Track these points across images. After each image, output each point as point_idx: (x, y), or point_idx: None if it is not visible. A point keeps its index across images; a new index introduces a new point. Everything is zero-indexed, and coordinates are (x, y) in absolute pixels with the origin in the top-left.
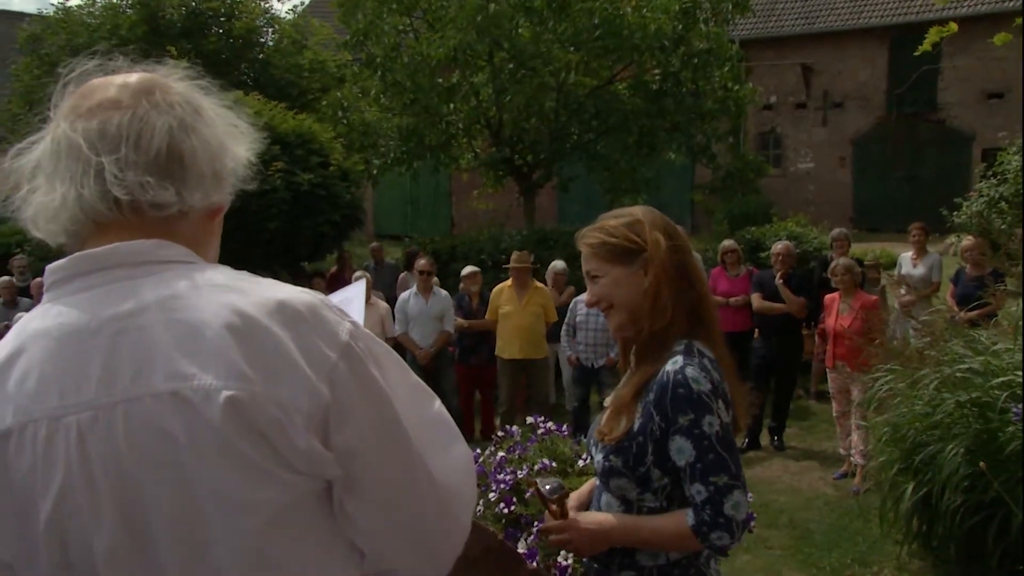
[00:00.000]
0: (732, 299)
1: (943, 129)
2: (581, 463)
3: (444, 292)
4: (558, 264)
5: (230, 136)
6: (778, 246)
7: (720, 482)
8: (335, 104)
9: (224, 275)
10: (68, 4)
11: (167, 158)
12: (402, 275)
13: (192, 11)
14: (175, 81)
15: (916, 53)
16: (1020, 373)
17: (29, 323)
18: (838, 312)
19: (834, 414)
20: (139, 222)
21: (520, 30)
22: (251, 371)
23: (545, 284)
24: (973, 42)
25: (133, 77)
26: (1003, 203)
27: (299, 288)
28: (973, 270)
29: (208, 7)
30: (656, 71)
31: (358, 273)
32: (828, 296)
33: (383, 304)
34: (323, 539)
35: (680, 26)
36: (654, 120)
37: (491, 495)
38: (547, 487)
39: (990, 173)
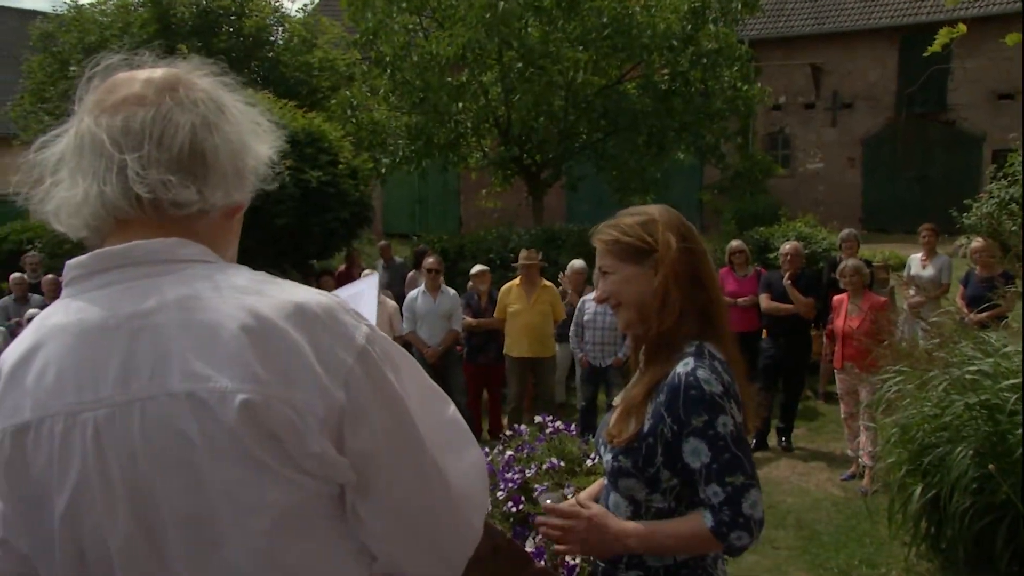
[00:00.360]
0: (740, 299)
1: (953, 130)
2: (589, 462)
3: (452, 291)
4: (577, 263)
5: (252, 134)
6: (787, 246)
7: (737, 482)
8: (344, 103)
9: (244, 276)
10: (80, 2)
11: (189, 156)
12: (410, 273)
13: (203, 9)
14: (199, 77)
15: (926, 54)
16: None
17: (48, 318)
18: (846, 313)
19: (842, 415)
20: (160, 220)
21: (529, 29)
22: (266, 374)
23: (553, 283)
24: (984, 43)
25: (158, 73)
26: (1013, 204)
27: (317, 291)
28: (983, 271)
29: (219, 5)
30: (665, 71)
31: (367, 272)
32: (836, 297)
33: (391, 302)
34: (334, 541)
35: (689, 26)
36: (663, 120)
37: (499, 494)
38: (548, 500)
39: (1000, 174)
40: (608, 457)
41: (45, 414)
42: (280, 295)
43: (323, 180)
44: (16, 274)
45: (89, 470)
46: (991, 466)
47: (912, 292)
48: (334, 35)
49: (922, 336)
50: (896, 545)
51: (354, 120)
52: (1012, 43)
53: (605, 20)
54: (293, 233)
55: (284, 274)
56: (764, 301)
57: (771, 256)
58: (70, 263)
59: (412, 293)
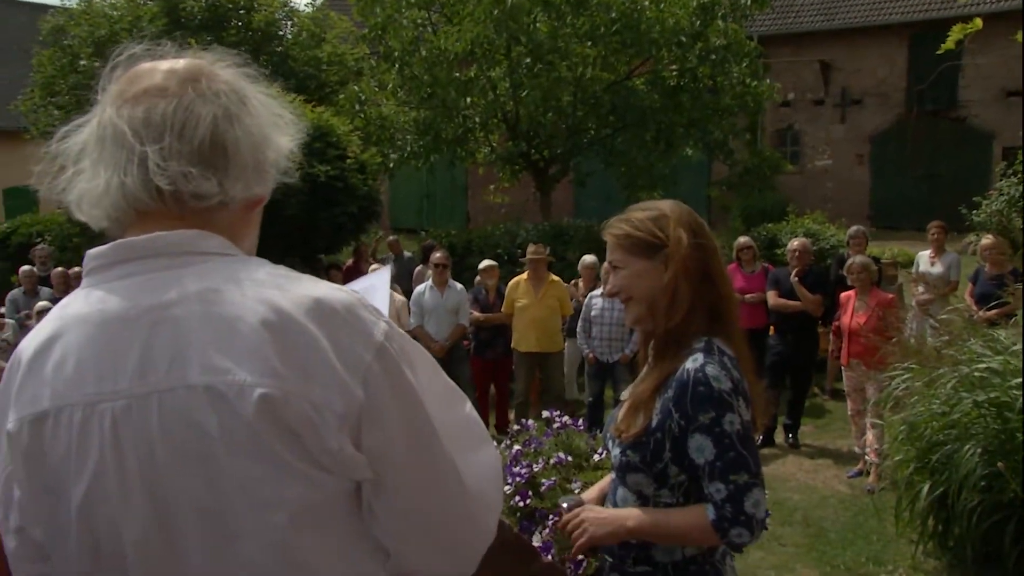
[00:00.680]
0: (747, 296)
1: (963, 127)
2: (597, 457)
3: (459, 285)
4: (588, 258)
5: (274, 127)
6: (795, 243)
7: (740, 480)
8: (353, 97)
9: (264, 271)
10: None
11: (210, 148)
12: (418, 268)
13: (212, 4)
14: (222, 69)
15: (939, 51)
16: None
17: (68, 307)
18: (853, 310)
19: (849, 412)
20: (180, 211)
21: (538, 24)
22: (285, 369)
23: (561, 278)
24: (996, 39)
25: (180, 63)
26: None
27: (337, 286)
28: (992, 269)
29: (228, 0)
30: (674, 67)
31: (374, 266)
32: (844, 294)
33: (399, 296)
34: (349, 537)
35: (698, 22)
36: (671, 116)
37: (507, 488)
38: (565, 504)
39: (1010, 172)
40: (616, 452)
41: (64, 404)
42: (300, 290)
43: (331, 175)
44: (26, 267)
45: (106, 461)
46: (1000, 464)
47: (921, 289)
48: (343, 30)
49: (931, 333)
50: (903, 543)
51: (362, 115)
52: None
53: (614, 15)
54: (301, 227)
55: (291, 268)
56: (771, 298)
57: (779, 253)
58: (90, 253)
59: (419, 288)
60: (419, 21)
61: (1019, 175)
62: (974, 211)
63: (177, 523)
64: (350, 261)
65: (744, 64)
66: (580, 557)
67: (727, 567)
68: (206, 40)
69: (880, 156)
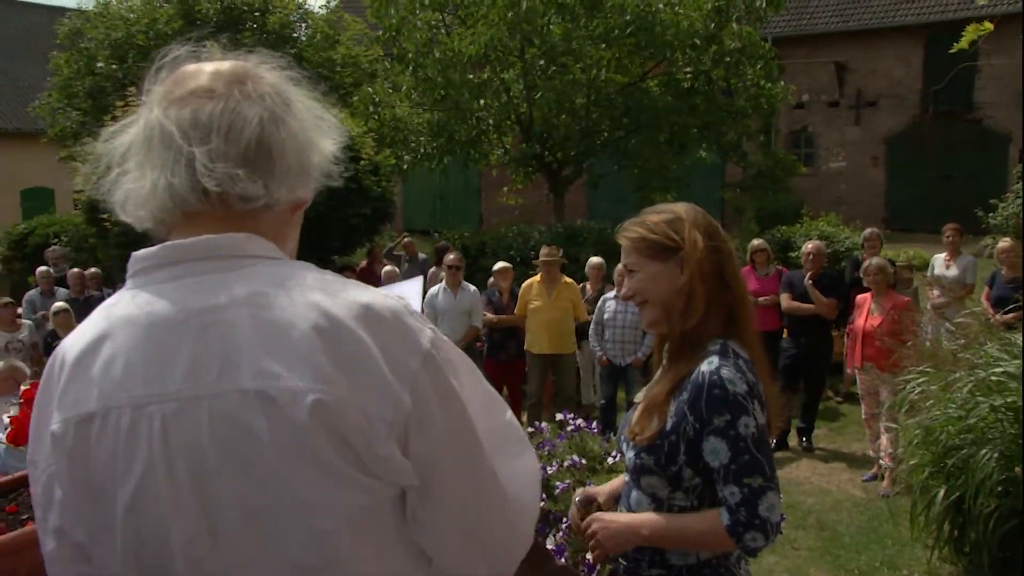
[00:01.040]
0: (761, 299)
1: (979, 129)
2: (611, 460)
3: (472, 287)
4: (594, 259)
5: (317, 130)
6: (809, 246)
7: (755, 484)
8: (366, 99)
9: (312, 275)
10: None
11: (256, 150)
12: (431, 270)
13: (227, 5)
14: (266, 71)
15: (952, 50)
16: None
17: (115, 308)
18: (868, 312)
19: (863, 416)
20: (226, 214)
21: (552, 27)
22: (337, 375)
23: (575, 280)
24: (1012, 40)
25: (225, 65)
26: None
27: (384, 292)
28: (1009, 272)
29: (243, 2)
30: (688, 69)
31: (387, 268)
32: (860, 296)
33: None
34: (393, 542)
35: (713, 24)
36: (685, 118)
37: None
38: (578, 499)
39: None
40: (631, 455)
41: (111, 405)
42: (349, 295)
43: (345, 176)
44: (43, 268)
45: (155, 463)
46: (1017, 469)
47: (936, 292)
48: (357, 31)
49: (947, 337)
50: (918, 547)
51: (376, 117)
52: None
53: (628, 18)
54: (314, 229)
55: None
56: (785, 301)
57: (793, 255)
58: (137, 254)
59: (433, 289)
60: (433, 23)
61: None
62: (990, 214)
63: (225, 525)
64: (363, 263)
65: (758, 66)
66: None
67: (742, 570)
68: (221, 42)
69: (895, 158)
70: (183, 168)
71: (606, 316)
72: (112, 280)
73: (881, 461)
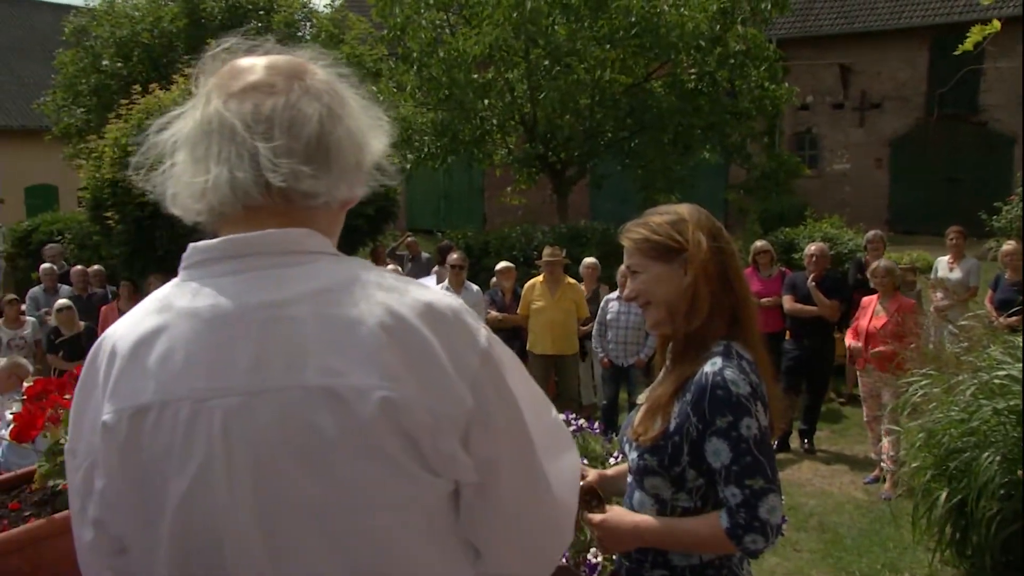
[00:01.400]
0: (764, 300)
1: (984, 131)
2: (613, 461)
3: (475, 287)
4: (588, 260)
5: (371, 128)
6: (812, 247)
7: (756, 485)
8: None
9: (372, 273)
10: None
11: (316, 147)
12: (435, 269)
13: (232, 4)
14: (319, 67)
15: (956, 52)
16: None
17: (173, 300)
18: (873, 313)
19: (865, 418)
20: (287, 209)
21: (556, 27)
22: (404, 373)
23: (578, 281)
24: (1018, 43)
25: (281, 59)
26: None
27: (442, 291)
28: (1013, 275)
29: (248, 0)
30: (692, 70)
31: (391, 267)
32: (866, 298)
33: None
34: (448, 538)
35: (718, 26)
36: (689, 119)
37: None
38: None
39: None
40: (634, 456)
41: (169, 398)
42: (412, 294)
43: None
44: (46, 265)
45: (214, 457)
46: (1020, 472)
47: (939, 295)
48: (361, 31)
49: (950, 339)
50: (920, 550)
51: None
52: None
53: (633, 19)
54: None
55: None
56: (787, 302)
57: (796, 257)
58: (196, 246)
59: None
60: (438, 23)
61: None
62: (994, 216)
63: (283, 520)
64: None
65: (763, 68)
66: (595, 560)
67: (744, 571)
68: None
69: (899, 160)
70: (247, 162)
71: (609, 317)
72: (115, 277)
73: (883, 464)
